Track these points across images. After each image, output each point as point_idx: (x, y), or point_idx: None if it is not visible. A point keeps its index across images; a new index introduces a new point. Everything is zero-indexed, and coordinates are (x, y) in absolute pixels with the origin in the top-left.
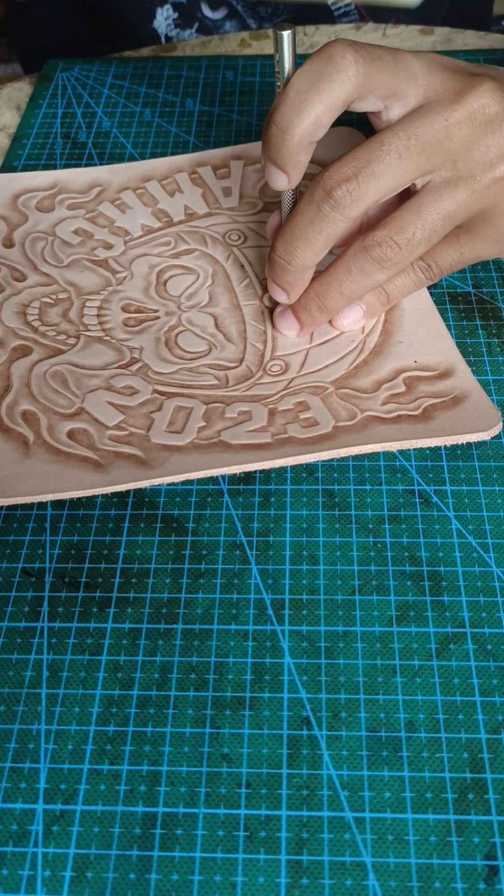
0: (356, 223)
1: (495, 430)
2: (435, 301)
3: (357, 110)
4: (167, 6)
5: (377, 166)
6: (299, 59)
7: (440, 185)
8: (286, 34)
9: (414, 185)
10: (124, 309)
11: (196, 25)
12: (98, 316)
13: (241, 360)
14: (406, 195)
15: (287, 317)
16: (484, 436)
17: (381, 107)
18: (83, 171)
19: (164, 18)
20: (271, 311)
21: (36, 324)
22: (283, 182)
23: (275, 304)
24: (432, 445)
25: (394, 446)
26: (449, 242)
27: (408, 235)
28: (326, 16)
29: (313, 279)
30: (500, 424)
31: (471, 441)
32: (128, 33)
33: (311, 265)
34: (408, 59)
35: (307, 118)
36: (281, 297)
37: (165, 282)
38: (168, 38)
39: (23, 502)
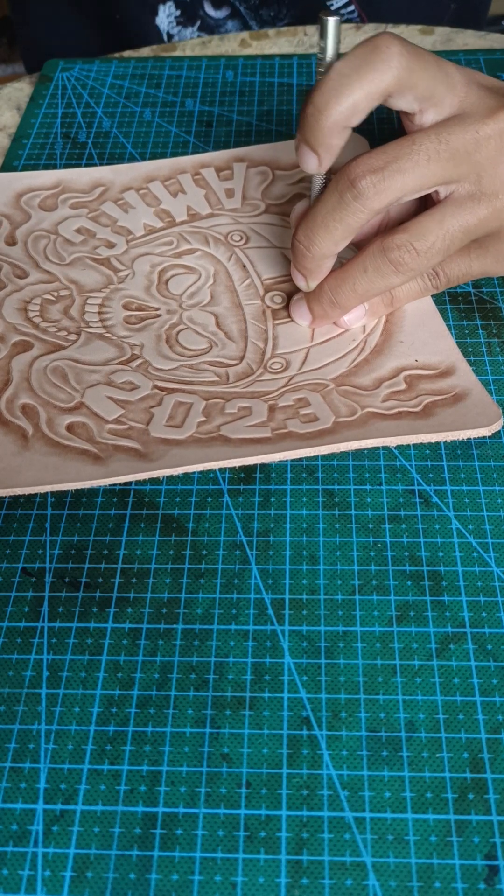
0: (375, 223)
1: (496, 427)
2: (435, 301)
3: (393, 107)
4: (169, 3)
5: (405, 163)
6: (295, 59)
7: (464, 198)
8: (332, 20)
9: (437, 193)
10: (125, 307)
11: (198, 24)
12: (99, 313)
13: (242, 358)
14: (424, 205)
15: (301, 306)
16: (484, 432)
17: (417, 108)
18: (86, 171)
19: (165, 16)
20: (273, 310)
21: (37, 320)
22: (314, 164)
23: (284, 301)
24: (432, 441)
25: (393, 441)
26: (460, 254)
27: (427, 243)
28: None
29: (329, 274)
30: (501, 421)
31: (471, 437)
32: (130, 30)
33: (329, 254)
34: (450, 69)
35: (345, 101)
36: (300, 283)
37: (167, 281)
38: (170, 36)
39: (21, 493)
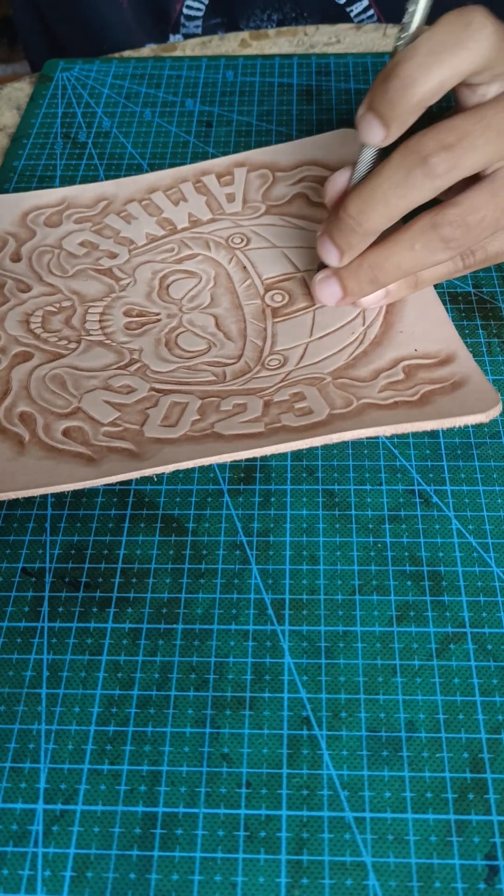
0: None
1: (494, 413)
2: None
3: (466, 81)
4: (178, 36)
5: (477, 139)
6: (295, 59)
7: None
8: None
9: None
10: (126, 314)
11: None
12: (100, 321)
13: (240, 357)
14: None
15: (331, 284)
16: (482, 418)
17: (486, 81)
18: (90, 187)
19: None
20: (273, 308)
21: (38, 331)
22: (379, 137)
23: (285, 299)
24: (427, 429)
25: (387, 430)
26: (495, 233)
27: (479, 217)
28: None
29: (368, 249)
30: (500, 407)
31: (468, 424)
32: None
33: (379, 230)
34: None
35: (434, 79)
36: (332, 258)
37: (168, 286)
38: None
39: (15, 496)
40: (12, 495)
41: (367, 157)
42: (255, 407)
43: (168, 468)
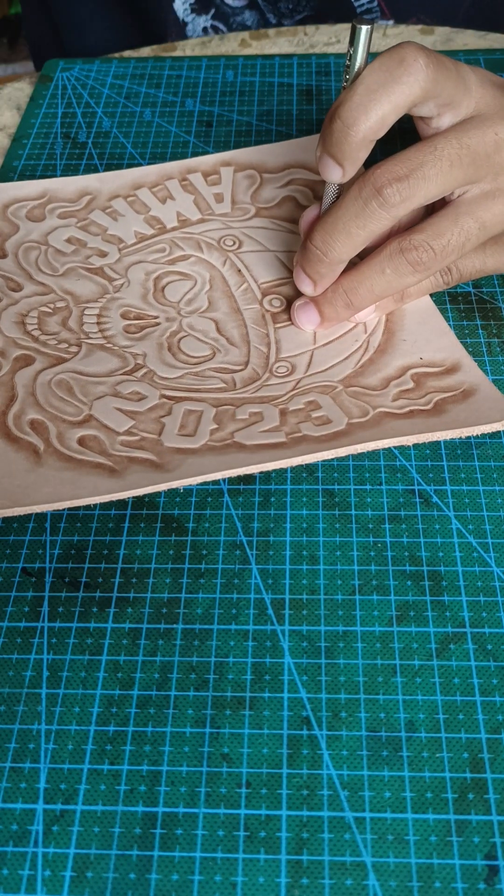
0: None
1: None
2: (435, 301)
3: (413, 114)
4: None
5: (429, 170)
6: (295, 59)
7: (479, 196)
8: (364, 29)
9: (451, 193)
10: (124, 316)
11: (212, 12)
12: (98, 324)
13: (247, 363)
14: (432, 203)
15: (309, 310)
16: (499, 426)
17: (435, 113)
18: (72, 180)
19: (181, 2)
20: (273, 314)
21: (36, 333)
22: (337, 175)
23: (283, 304)
24: (447, 438)
25: (410, 440)
26: (475, 251)
27: (444, 241)
28: (349, 13)
29: (342, 275)
30: None
31: (486, 431)
32: (147, 16)
33: (346, 259)
34: (465, 71)
35: (373, 116)
36: (306, 288)
37: (163, 288)
38: (184, 24)
39: (39, 510)
40: (37, 509)
41: (331, 191)
42: (271, 416)
43: (195, 480)
